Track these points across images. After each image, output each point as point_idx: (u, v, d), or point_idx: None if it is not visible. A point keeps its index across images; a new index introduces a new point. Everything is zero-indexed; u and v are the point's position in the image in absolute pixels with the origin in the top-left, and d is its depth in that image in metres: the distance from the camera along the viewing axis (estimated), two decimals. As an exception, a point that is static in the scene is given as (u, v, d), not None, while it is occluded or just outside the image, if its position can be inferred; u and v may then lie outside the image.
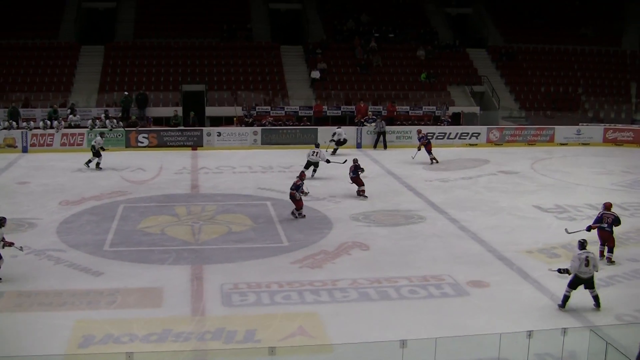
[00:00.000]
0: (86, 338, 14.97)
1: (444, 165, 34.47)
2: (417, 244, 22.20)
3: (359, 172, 28.28)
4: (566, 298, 17.38)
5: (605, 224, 20.82)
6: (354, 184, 28.16)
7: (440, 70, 47.45)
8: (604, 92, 48.22)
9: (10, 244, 18.34)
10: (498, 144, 40.90)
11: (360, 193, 28.08)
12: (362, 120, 40.28)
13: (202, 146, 37.91)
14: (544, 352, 14.22)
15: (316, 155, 31.22)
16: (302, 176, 25.02)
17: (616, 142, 41.94)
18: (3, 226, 18.09)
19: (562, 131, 42.02)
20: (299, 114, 41.50)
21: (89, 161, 32.48)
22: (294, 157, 35.16)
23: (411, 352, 12.77)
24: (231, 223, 24.01)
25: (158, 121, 40.73)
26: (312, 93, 44.08)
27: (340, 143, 37.00)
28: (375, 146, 38.92)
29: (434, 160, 34.87)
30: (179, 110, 40.73)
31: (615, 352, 13.40)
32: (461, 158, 36.73)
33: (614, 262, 20.64)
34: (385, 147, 38.61)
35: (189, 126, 39.26)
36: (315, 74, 44.72)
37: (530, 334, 13.52)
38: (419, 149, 35.12)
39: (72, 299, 17.12)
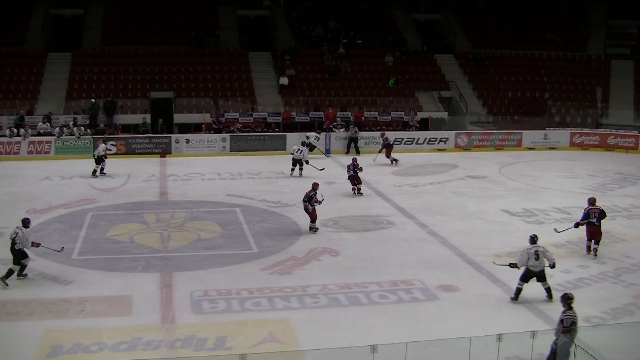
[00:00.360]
0: (55, 348, 14.87)
1: (412, 171, 34.60)
2: (387, 249, 22.28)
3: (357, 171, 28.86)
4: (518, 291, 18.24)
5: (594, 218, 21.46)
6: (348, 182, 28.69)
7: (409, 76, 47.63)
8: (570, 96, 48.66)
9: (38, 245, 19.08)
10: (466, 149, 41.14)
11: (357, 191, 28.85)
12: (331, 126, 40.33)
13: (170, 153, 37.76)
14: (514, 355, 14.33)
15: (299, 153, 31.47)
16: (314, 186, 24.18)
17: (582, 146, 42.32)
18: (27, 227, 18.83)
19: (530, 136, 42.36)
20: (268, 121, 41.44)
21: (95, 171, 32.40)
22: (263, 164, 35.20)
23: (382, 357, 12.81)
24: (200, 230, 23.95)
25: (126, 128, 40.51)
26: (280, 99, 44.06)
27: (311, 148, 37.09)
28: (347, 152, 38.94)
29: (393, 161, 35.32)
30: (147, 117, 40.54)
31: (584, 353, 13.53)
32: (429, 163, 36.92)
33: (597, 255, 21.43)
34: (357, 152, 38.65)
35: (158, 133, 39.09)
36: (284, 80, 44.72)
37: (500, 337, 13.61)
38: (380, 152, 35.67)
39: (40, 308, 17.00)
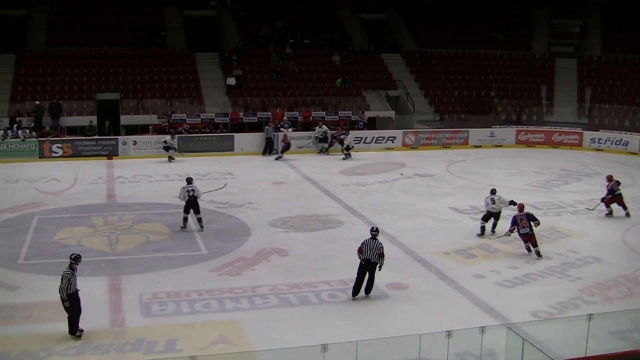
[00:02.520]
0: (1, 355, 14.65)
1: (360, 170, 34.71)
2: (336, 249, 22.35)
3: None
4: (482, 229, 23.90)
5: (526, 228, 21.75)
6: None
7: (356, 75, 47.80)
8: (515, 94, 49.20)
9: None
10: (414, 148, 41.37)
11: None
12: (279, 125, 40.27)
13: (117, 155, 37.37)
14: (463, 351, 14.48)
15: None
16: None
17: (528, 144, 42.82)
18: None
19: (476, 134, 42.76)
20: (215, 121, 41.26)
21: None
22: (211, 165, 35.05)
23: (332, 356, 12.87)
24: (149, 232, 23.80)
25: (72, 131, 39.97)
26: (228, 100, 43.90)
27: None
28: (264, 153, 38.59)
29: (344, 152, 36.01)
30: (94, 119, 40.10)
31: (532, 348, 13.72)
32: (377, 162, 37.06)
33: (540, 256, 21.77)
34: (270, 153, 38.76)
35: (104, 135, 38.70)
36: (231, 81, 44.57)
37: (449, 333, 13.74)
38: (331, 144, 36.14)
39: (-14, 315, 16.77)
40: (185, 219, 23.95)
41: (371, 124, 43.16)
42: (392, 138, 41.25)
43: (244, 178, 32.45)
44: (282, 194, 29.48)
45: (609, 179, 27.29)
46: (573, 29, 57.34)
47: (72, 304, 15.49)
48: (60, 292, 15.49)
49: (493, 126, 43.89)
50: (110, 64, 45.04)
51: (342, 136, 38.29)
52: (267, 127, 39.01)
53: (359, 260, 18.23)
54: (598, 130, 43.76)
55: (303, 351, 13.52)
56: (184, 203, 24.04)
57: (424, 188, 31.18)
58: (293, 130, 40.36)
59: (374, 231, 18.46)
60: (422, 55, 51.19)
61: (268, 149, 38.57)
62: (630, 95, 47.87)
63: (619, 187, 26.92)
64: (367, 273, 18.23)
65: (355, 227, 24.74)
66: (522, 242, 22.20)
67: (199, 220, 23.94)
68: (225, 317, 16.89)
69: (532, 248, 22.02)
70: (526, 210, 22.44)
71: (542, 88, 50.12)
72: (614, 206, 26.85)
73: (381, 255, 18.10)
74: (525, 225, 21.72)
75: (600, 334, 15.27)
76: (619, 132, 43.19)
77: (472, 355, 14.45)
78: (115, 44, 46.48)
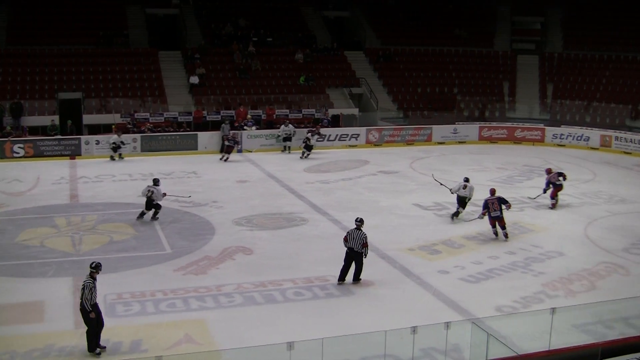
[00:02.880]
0: (-37, 358, 14.52)
1: (324, 167, 34.74)
2: (301, 246, 22.36)
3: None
4: (457, 213, 25.44)
5: (497, 210, 22.97)
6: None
7: (319, 73, 47.84)
8: (478, 91, 49.53)
9: (165, 195, 24.05)
10: (377, 145, 41.48)
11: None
12: (242, 123, 40.18)
13: (80, 155, 37.07)
14: (429, 346, 14.54)
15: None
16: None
17: (491, 140, 43.14)
18: (159, 185, 23.71)
19: (439, 130, 43.00)
20: (179, 120, 41.07)
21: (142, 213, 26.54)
22: (175, 164, 34.89)
23: (298, 353, 12.86)
24: (112, 232, 23.63)
25: (34, 130, 39.53)
26: (191, 99, 43.70)
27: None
28: (222, 150, 38.50)
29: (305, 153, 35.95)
30: (56, 119, 39.74)
31: (496, 342, 13.82)
32: (341, 159, 37.12)
33: (507, 237, 22.83)
34: (289, 151, 38.73)
35: (67, 135, 38.36)
36: (194, 80, 44.39)
37: (414, 329, 13.80)
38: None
39: (-53, 318, 16.56)
40: (142, 213, 24.77)
41: (335, 122, 43.20)
42: (356, 135, 41.34)
43: (208, 177, 32.35)
44: (247, 192, 29.44)
45: (548, 171, 28.44)
46: (534, 26, 57.80)
47: (96, 315, 14.85)
48: (83, 303, 14.65)
49: (456, 123, 44.20)
50: (72, 62, 44.65)
51: (313, 135, 38.15)
52: (223, 125, 38.89)
53: (345, 248, 18.96)
54: (560, 126, 44.27)
55: (269, 349, 13.49)
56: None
57: (387, 185, 31.27)
58: (257, 129, 40.28)
59: (358, 221, 19.02)
60: (386, 52, 51.35)
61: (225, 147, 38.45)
62: (591, 92, 48.38)
63: (560, 179, 27.77)
64: (354, 262, 18.83)
65: (320, 225, 24.78)
66: (490, 226, 23.01)
67: (155, 213, 24.94)
68: (190, 316, 16.83)
69: (500, 231, 22.86)
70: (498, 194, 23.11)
71: (505, 85, 50.51)
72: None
73: (364, 245, 18.68)
74: (496, 208, 22.66)
75: (563, 327, 15.40)
76: (580, 127, 43.73)
77: (438, 351, 14.51)
78: (77, 43, 46.09)
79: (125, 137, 37.09)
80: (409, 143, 42.08)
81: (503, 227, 22.91)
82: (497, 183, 31.72)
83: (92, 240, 22.73)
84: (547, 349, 14.53)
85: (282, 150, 39.09)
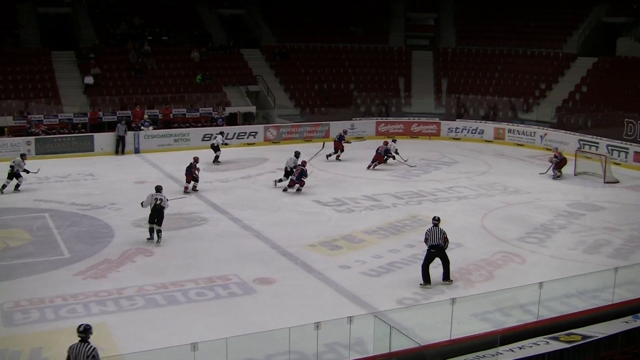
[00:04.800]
0: None
1: (223, 166, 34.61)
2: (202, 246, 22.28)
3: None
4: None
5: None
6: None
7: (215, 71, 47.54)
8: (374, 87, 50.02)
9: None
10: (276, 142, 41.50)
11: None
12: (139, 124, 39.65)
13: (-29, 159, 36.03)
14: (333, 341, 14.70)
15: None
16: (304, 164, 29.72)
17: (388, 135, 43.58)
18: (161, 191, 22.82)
19: (337, 126, 43.11)
20: (74, 121, 40.22)
21: (4, 186, 29.50)
22: (71, 166, 34.21)
23: (203, 354, 12.83)
24: (8, 238, 23.05)
25: None
26: (86, 99, 42.87)
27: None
28: (117, 151, 37.70)
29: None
30: (-56, 122, 38.53)
31: (399, 334, 14.03)
32: (240, 158, 36.98)
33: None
34: (122, 152, 38.07)
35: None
36: (89, 80, 43.56)
37: (318, 325, 13.90)
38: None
39: None
40: (152, 230, 22.70)
41: (232, 120, 43.00)
42: (254, 133, 41.25)
43: (105, 179, 31.84)
44: (145, 193, 28.96)
45: (385, 143, 35.27)
46: (428, 22, 58.67)
47: None
48: None
49: (353, 119, 44.53)
50: (-40, 64, 43.35)
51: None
52: (118, 125, 38.28)
53: (427, 248, 19.22)
54: (455, 120, 45.11)
55: (173, 351, 13.41)
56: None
57: (284, 183, 31.33)
58: (154, 129, 39.82)
59: (436, 220, 19.38)
60: (282, 50, 51.38)
61: (120, 147, 37.94)
62: (484, 86, 49.46)
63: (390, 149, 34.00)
64: (441, 259, 19.19)
65: (220, 224, 24.72)
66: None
67: (159, 232, 22.69)
68: (91, 321, 16.38)
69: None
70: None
71: (400, 80, 51.12)
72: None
73: (446, 239, 19.09)
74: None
75: (463, 316, 15.77)
76: (474, 121, 44.70)
77: (342, 345, 14.66)
78: (-36, 44, 44.76)
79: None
80: (307, 140, 42.24)
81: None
82: (395, 177, 32.24)
83: (-13, 246, 22.17)
84: (448, 339, 14.86)
85: (115, 153, 38.12)
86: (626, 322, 15.33)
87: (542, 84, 48.16)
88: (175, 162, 34.91)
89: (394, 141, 36.21)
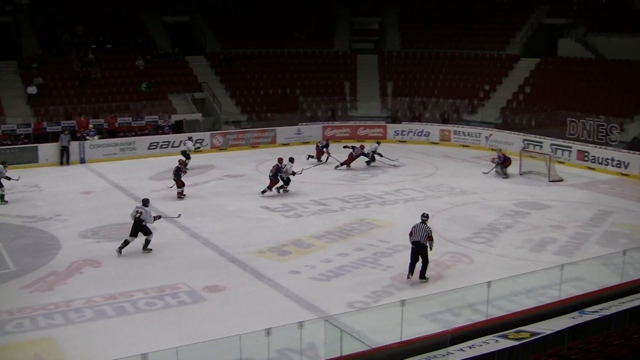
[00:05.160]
0: None
1: (169, 174, 34.21)
2: (150, 255, 22.12)
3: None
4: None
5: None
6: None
7: (161, 79, 47.17)
8: (320, 92, 50.07)
9: (160, 217, 23.12)
10: (222, 149, 41.36)
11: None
12: (84, 134, 39.22)
13: None
14: (284, 347, 14.70)
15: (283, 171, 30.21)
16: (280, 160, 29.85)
17: (335, 139, 43.69)
18: (148, 206, 22.37)
19: (283, 132, 43.31)
20: (17, 132, 39.65)
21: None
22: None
23: (153, 365, 12.73)
24: (-50, 253, 22.68)
25: None
26: (29, 110, 42.32)
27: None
28: (61, 162, 37.21)
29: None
30: None
31: (350, 337, 14.08)
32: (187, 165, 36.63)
33: None
34: (67, 163, 37.69)
35: None
36: (32, 90, 42.98)
37: (268, 331, 13.86)
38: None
39: None
40: (126, 243, 22.16)
41: (178, 128, 42.74)
42: (201, 140, 41.04)
43: (50, 190, 31.42)
44: (92, 203, 28.81)
45: (362, 147, 36.31)
46: (373, 26, 59.07)
47: None
48: None
49: (299, 124, 44.58)
50: None
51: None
52: (62, 135, 37.76)
53: (410, 243, 19.78)
54: (401, 123, 45.44)
55: (123, 363, 13.31)
56: None
57: (234, 188, 31.28)
58: (99, 138, 39.42)
59: (424, 217, 19.93)
60: (227, 56, 51.25)
61: (65, 158, 37.46)
62: (429, 88, 49.85)
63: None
64: (420, 257, 19.60)
65: (168, 233, 24.53)
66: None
67: (146, 243, 22.43)
68: (39, 335, 16.37)
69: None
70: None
71: (346, 84, 51.26)
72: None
73: (430, 238, 19.46)
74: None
75: (413, 318, 15.84)
76: (420, 123, 45.05)
77: (293, 351, 14.66)
78: None
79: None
80: (254, 146, 42.18)
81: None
82: (342, 181, 32.38)
83: None
84: (399, 341, 14.90)
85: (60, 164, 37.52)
86: (572, 318, 15.53)
87: (486, 85, 48.74)
88: (121, 171, 34.71)
89: (378, 143, 36.92)
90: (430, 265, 20.59)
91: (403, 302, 15.32)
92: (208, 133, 41.94)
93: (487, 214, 27.08)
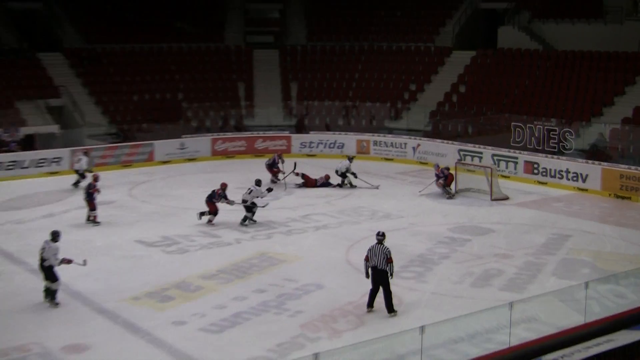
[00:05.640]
0: None
1: (17, 203, 33.47)
2: (-8, 309, 21.34)
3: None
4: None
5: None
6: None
7: (5, 81, 46.24)
8: (208, 96, 49.80)
9: (69, 262, 21.58)
10: (86, 170, 40.53)
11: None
12: None
13: None
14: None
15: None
16: (223, 186, 30.21)
17: (227, 154, 43.41)
18: (57, 241, 21.71)
19: (163, 146, 42.82)
20: None
21: None
22: None
23: None
24: None
25: None
26: None
27: None
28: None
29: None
30: None
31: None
32: (39, 191, 35.98)
33: None
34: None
35: None
36: None
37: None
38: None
39: None
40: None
41: (28, 144, 41.79)
42: (58, 160, 40.20)
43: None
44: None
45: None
46: (272, 14, 59.22)
47: None
48: None
49: (183, 136, 44.18)
50: None
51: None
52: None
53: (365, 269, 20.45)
54: (308, 133, 45.31)
55: None
56: None
57: (101, 219, 30.52)
58: None
59: (380, 235, 20.46)
60: (91, 53, 50.75)
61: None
62: (342, 89, 50.10)
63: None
64: (381, 285, 20.07)
65: (16, 279, 23.80)
66: None
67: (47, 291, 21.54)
68: None
69: None
70: None
71: (240, 86, 51.29)
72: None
73: (389, 260, 20.02)
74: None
75: (329, 376, 15.53)
76: (332, 133, 45.00)
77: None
78: None
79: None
80: (126, 165, 41.66)
81: None
82: (235, 207, 31.89)
83: None
84: (312, 407, 14.57)
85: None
86: (528, 370, 15.53)
87: (412, 84, 49.21)
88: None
89: (350, 159, 36.48)
90: (348, 308, 20.35)
91: (316, 356, 14.95)
92: (67, 150, 40.99)
93: (417, 242, 27.11)
